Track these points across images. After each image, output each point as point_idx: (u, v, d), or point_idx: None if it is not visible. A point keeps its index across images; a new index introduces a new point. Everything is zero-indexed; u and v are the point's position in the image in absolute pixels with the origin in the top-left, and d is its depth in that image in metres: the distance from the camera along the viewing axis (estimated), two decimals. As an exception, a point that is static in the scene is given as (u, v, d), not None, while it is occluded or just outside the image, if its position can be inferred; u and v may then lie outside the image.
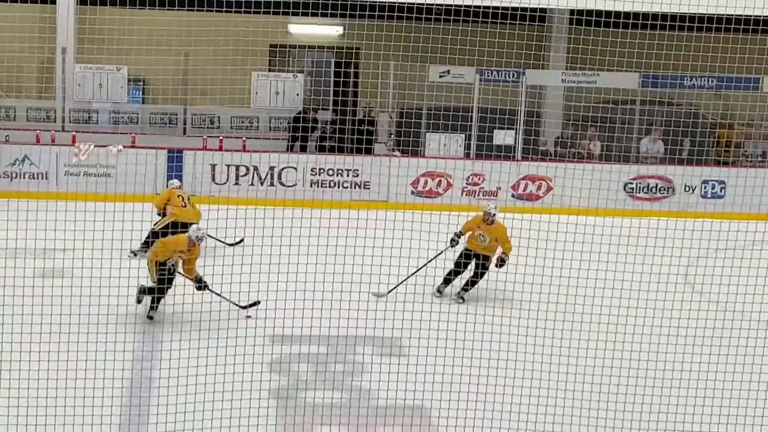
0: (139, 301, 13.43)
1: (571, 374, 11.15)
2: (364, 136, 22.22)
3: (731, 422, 10.65)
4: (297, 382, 11.94)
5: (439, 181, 21.79)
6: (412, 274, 14.06)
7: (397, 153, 22.46)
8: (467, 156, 22.32)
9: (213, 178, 20.81)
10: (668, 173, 22.13)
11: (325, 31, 26.98)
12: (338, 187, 21.63)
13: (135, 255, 15.58)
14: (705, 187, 22.13)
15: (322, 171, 21.78)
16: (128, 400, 10.92)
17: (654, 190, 22.17)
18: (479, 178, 21.76)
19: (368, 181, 21.44)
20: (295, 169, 21.55)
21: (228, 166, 21.41)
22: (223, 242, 16.42)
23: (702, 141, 22.22)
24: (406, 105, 21.61)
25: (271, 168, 21.42)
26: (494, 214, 14.96)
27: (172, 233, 16.42)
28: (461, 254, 14.99)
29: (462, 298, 14.78)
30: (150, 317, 13.32)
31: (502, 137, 21.85)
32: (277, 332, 12.37)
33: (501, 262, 14.56)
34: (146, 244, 16.61)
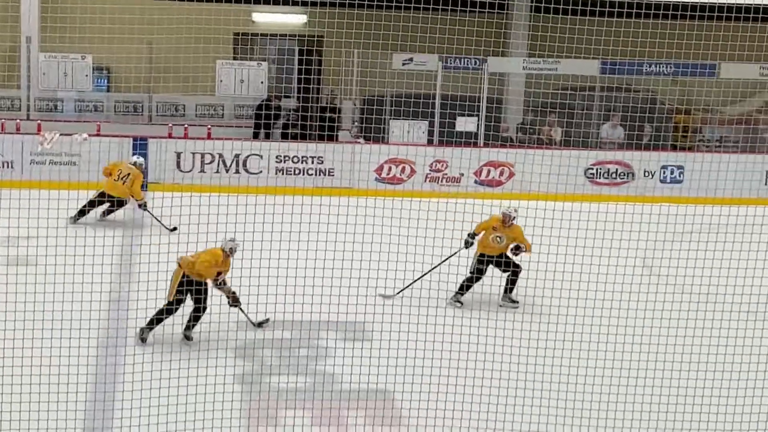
0: (143, 340, 12.34)
1: (532, 357, 11.29)
2: (328, 123, 22.29)
3: (688, 397, 10.84)
4: (262, 368, 12.06)
5: (403, 168, 21.90)
6: (421, 277, 13.91)
7: (361, 140, 22.54)
8: (430, 142, 22.42)
9: (178, 166, 20.84)
10: (628, 158, 22.34)
11: (289, 19, 27.03)
12: (303, 174, 21.69)
13: (75, 221, 16.30)
14: (664, 172, 22.36)
15: (286, 158, 21.81)
16: (93, 386, 11.01)
17: (614, 175, 22.37)
18: (442, 165, 21.88)
19: (332, 168, 21.52)
20: (260, 156, 21.57)
21: (193, 153, 21.43)
22: (162, 224, 16.67)
23: (660, 126, 22.45)
24: (370, 92, 21.72)
25: (236, 155, 21.44)
26: (514, 217, 14.56)
27: (99, 202, 17.00)
28: (476, 260, 14.53)
29: (512, 300, 14.52)
30: (143, 339, 12.33)
31: (465, 124, 21.98)
32: (242, 318, 12.53)
33: (517, 249, 14.40)
34: (81, 213, 17.15)
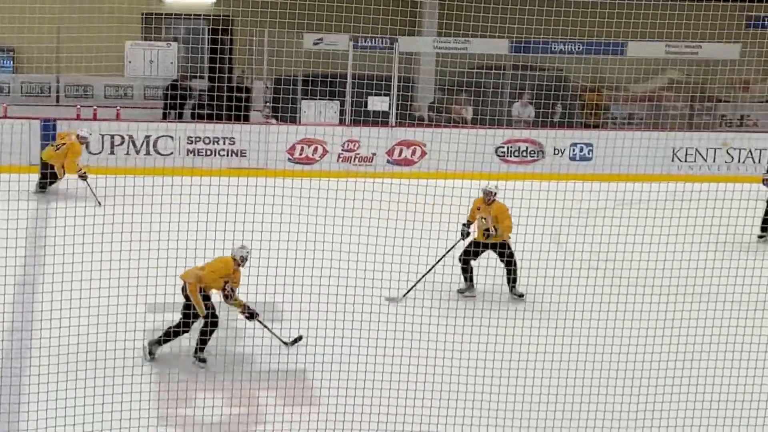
0: (152, 354, 11.78)
1: (425, 334, 11.27)
2: (240, 104, 22.15)
3: (604, 371, 10.97)
4: (171, 349, 11.97)
5: (315, 148, 21.86)
6: (427, 273, 13.83)
7: (273, 120, 22.47)
8: (342, 122, 22.42)
9: (87, 148, 20.56)
10: (538, 137, 22.54)
11: (199, -2, 26.82)
12: (215, 155, 21.56)
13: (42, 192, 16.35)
14: (573, 150, 22.59)
15: (198, 139, 21.67)
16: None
17: (524, 153, 22.56)
18: (355, 144, 21.89)
19: (244, 149, 21.42)
20: (171, 137, 21.41)
21: (102, 135, 21.18)
22: (96, 196, 16.82)
23: (570, 105, 22.68)
24: (281, 72, 21.61)
25: (147, 137, 21.23)
26: (495, 193, 14.32)
27: (43, 174, 16.82)
28: (470, 244, 14.34)
29: (518, 294, 14.27)
30: (152, 355, 11.78)
31: (377, 103, 22.00)
32: (156, 300, 12.38)
33: (486, 232, 14.14)
34: (42, 186, 17.08)
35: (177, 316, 11.73)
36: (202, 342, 11.79)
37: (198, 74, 23.87)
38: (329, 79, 20.40)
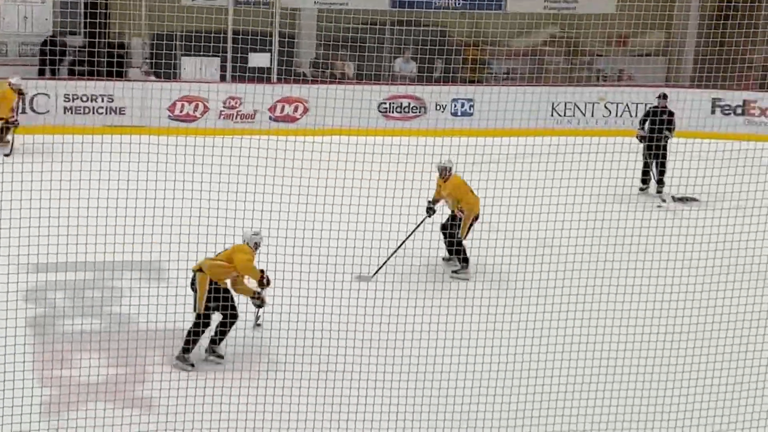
0: (191, 365, 11.29)
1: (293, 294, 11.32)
2: (117, 60, 21.78)
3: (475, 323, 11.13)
4: (54, 310, 11.82)
5: (196, 105, 21.63)
6: (394, 252, 13.75)
7: (152, 77, 22.16)
8: (223, 79, 22.22)
9: (23, 96, 19.99)
10: (420, 93, 22.61)
11: (73, -48, 26.20)
12: (93, 112, 21.19)
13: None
14: (455, 106, 22.73)
15: (75, 97, 21.28)
16: None
17: (407, 109, 22.64)
18: (236, 101, 21.71)
19: (123, 107, 21.09)
20: (48, 95, 20.99)
21: (-24, 94, 20.65)
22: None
23: (451, 60, 22.79)
24: (160, 28, 21.26)
25: (22, 95, 20.76)
26: (449, 168, 14.14)
27: None
28: (449, 217, 14.33)
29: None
30: (189, 363, 11.30)
31: (258, 60, 21.82)
32: (32, 260, 12.17)
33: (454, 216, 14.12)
34: None
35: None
36: (222, 336, 11.42)
37: (74, 30, 23.36)
38: (209, 35, 20.12)
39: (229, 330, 11.38)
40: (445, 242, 14.36)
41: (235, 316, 11.39)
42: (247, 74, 20.57)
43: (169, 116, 21.30)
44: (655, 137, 18.25)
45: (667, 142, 18.35)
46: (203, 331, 11.28)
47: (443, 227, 14.33)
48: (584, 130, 21.62)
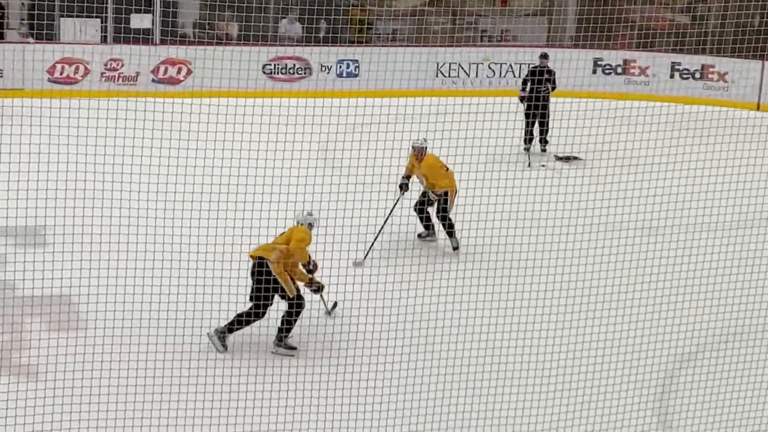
0: (224, 346, 11.19)
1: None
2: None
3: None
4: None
5: (77, 68, 21.27)
6: (379, 233, 13.63)
7: (30, 39, 21.71)
8: (104, 41, 21.87)
9: None
10: (305, 54, 22.54)
11: None
12: (-31, 76, 20.75)
13: None
14: (340, 67, 22.73)
15: (-51, 59, 20.80)
16: None
17: (291, 70, 22.56)
18: (118, 63, 21.41)
19: (1, 69, 20.65)
20: None
21: None
22: None
23: (336, 21, 22.74)
24: (38, -11, 20.86)
25: None
26: (425, 147, 13.93)
27: None
28: (422, 194, 14.18)
29: (453, 247, 14.17)
30: (225, 347, 11.19)
31: (139, 21, 21.52)
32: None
33: (428, 202, 14.02)
34: None
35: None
36: (288, 326, 11.21)
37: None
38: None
39: (295, 319, 11.18)
40: (420, 218, 14.40)
41: (301, 306, 11.23)
42: (128, 35, 20.28)
43: (49, 79, 20.91)
44: (535, 97, 18.49)
45: (548, 101, 18.61)
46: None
47: (418, 204, 14.34)
48: (468, 90, 21.79)
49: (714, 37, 22.98)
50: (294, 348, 11.26)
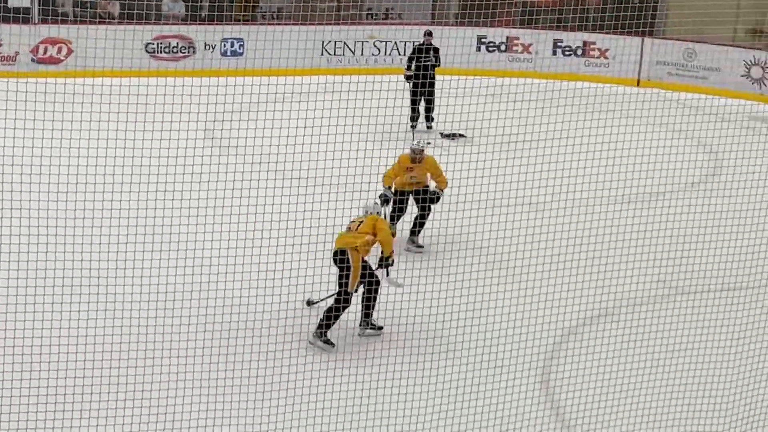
0: (331, 344, 11.28)
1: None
2: None
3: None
4: None
5: (-48, 48, 20.85)
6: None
7: None
8: (-20, 20, 21.46)
9: None
10: (189, 32, 22.36)
11: None
12: None
13: None
14: (224, 45, 22.60)
15: None
16: None
17: (175, 49, 22.36)
18: (-4, 43, 21.06)
19: None
20: None
21: None
22: None
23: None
24: None
25: None
26: (423, 150, 13.85)
27: None
28: (396, 200, 13.79)
29: (418, 245, 13.91)
30: (332, 344, 11.29)
31: (18, 0, 21.14)
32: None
33: (437, 199, 13.71)
34: None
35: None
36: (368, 308, 11.46)
37: None
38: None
39: (375, 297, 11.42)
40: (418, 219, 14.12)
41: (378, 283, 11.44)
42: (8, 15, 19.89)
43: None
44: (421, 74, 18.62)
45: (434, 79, 18.75)
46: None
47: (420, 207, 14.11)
48: (354, 68, 21.82)
49: (596, 14, 23.35)
50: (381, 328, 11.56)
